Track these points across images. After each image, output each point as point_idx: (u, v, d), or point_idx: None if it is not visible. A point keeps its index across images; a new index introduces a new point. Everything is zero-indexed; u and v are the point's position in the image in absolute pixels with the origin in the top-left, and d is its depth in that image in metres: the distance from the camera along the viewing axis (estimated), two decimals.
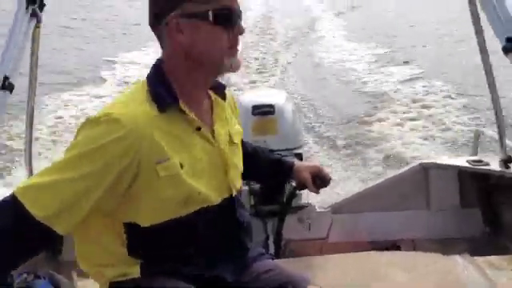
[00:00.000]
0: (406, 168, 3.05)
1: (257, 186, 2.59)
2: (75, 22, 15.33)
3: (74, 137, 1.23)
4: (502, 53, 1.93)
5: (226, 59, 1.29)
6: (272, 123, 2.73)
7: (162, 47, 1.33)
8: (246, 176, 1.52)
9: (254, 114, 2.70)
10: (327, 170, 1.80)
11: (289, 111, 2.82)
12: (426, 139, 6.37)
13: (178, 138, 1.27)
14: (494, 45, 2.05)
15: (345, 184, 4.85)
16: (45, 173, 1.18)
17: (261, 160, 1.73)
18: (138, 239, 1.29)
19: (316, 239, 2.82)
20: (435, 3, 16.47)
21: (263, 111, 2.72)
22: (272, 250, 2.30)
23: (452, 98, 7.80)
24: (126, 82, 9.13)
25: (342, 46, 12.75)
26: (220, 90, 1.45)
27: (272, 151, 2.02)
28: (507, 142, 2.52)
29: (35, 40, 2.27)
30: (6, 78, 1.95)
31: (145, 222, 1.27)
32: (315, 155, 5.73)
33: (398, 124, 6.92)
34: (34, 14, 2.12)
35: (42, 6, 2.16)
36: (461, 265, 1.95)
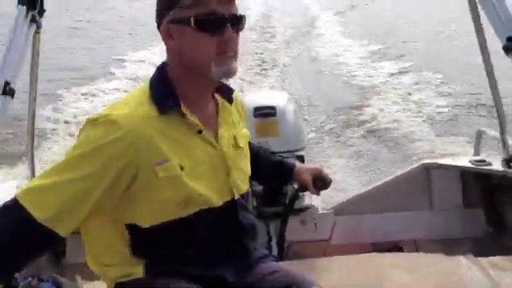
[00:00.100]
0: (409, 168, 3.04)
1: (259, 188, 2.59)
2: (81, 24, 15.54)
3: (77, 138, 1.24)
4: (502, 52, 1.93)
5: (214, 66, 1.26)
6: (273, 125, 2.72)
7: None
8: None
9: (255, 115, 2.69)
10: (327, 171, 1.80)
11: (290, 113, 2.82)
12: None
13: (179, 140, 1.28)
14: (495, 44, 2.06)
15: None
16: (46, 175, 1.19)
17: (262, 161, 1.73)
18: (140, 240, 1.30)
19: (319, 241, 2.82)
20: (435, 3, 16.51)
21: (265, 113, 2.72)
22: (275, 251, 2.30)
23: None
24: (137, 78, 9.52)
25: (338, 41, 13.09)
26: (227, 93, 1.45)
27: (273, 153, 2.02)
28: (510, 142, 2.52)
29: (35, 45, 2.28)
30: (6, 84, 1.96)
31: (145, 223, 1.27)
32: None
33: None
34: (33, 20, 2.13)
35: (41, 12, 2.17)
36: (464, 265, 1.94)
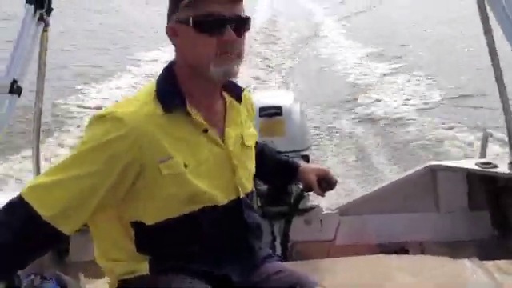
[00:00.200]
0: (414, 170, 3.02)
1: (264, 188, 2.58)
2: (92, 26, 15.95)
3: (84, 133, 1.25)
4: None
5: (213, 66, 1.26)
6: (279, 125, 2.72)
7: None
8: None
9: (261, 115, 2.69)
10: (333, 172, 1.79)
11: (296, 113, 2.81)
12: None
13: (184, 139, 1.28)
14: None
15: None
16: (51, 172, 1.20)
17: (267, 159, 1.72)
18: (145, 236, 1.30)
19: (323, 241, 2.81)
20: (438, 5, 16.61)
21: (270, 113, 2.71)
22: (279, 251, 2.29)
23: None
24: (151, 75, 9.97)
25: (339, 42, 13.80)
26: (236, 92, 1.45)
27: (279, 153, 2.02)
28: None
29: (43, 44, 2.28)
30: (14, 82, 1.97)
31: (149, 220, 1.28)
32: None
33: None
34: (41, 19, 2.14)
35: (49, 11, 2.18)
36: (469, 269, 1.93)
